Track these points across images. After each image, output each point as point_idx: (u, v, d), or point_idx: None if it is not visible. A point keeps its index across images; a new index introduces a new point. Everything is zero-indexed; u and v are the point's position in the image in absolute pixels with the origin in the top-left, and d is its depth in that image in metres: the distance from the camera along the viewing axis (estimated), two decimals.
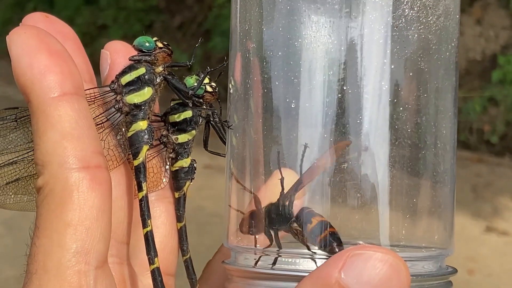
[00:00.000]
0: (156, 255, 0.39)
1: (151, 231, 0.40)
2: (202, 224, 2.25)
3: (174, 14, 4.42)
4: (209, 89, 0.43)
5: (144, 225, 0.40)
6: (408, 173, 0.37)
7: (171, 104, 0.43)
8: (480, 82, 3.37)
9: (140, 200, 0.40)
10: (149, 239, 0.39)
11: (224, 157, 0.42)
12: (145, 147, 0.40)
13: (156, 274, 0.39)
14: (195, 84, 0.42)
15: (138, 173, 0.40)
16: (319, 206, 0.37)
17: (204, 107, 0.43)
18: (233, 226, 0.40)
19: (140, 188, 0.40)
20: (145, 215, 0.40)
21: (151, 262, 0.39)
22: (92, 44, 4.22)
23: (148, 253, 0.39)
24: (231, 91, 0.41)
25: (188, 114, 0.43)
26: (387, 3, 0.36)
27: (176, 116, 0.43)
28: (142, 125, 0.41)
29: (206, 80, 0.43)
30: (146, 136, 0.41)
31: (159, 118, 0.43)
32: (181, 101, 0.43)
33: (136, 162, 0.40)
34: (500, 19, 3.47)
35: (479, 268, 2.39)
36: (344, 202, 0.37)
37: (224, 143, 0.42)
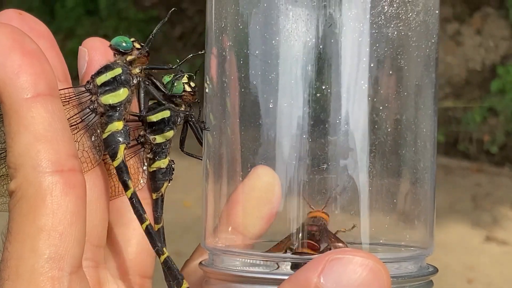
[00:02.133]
0: (164, 246, 0.39)
1: (150, 224, 0.39)
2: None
3: (174, 25, 4.42)
4: (187, 88, 0.42)
5: (142, 220, 0.39)
6: (388, 171, 0.37)
7: (149, 104, 0.43)
8: (479, 92, 3.37)
9: (130, 198, 0.39)
10: (150, 232, 0.39)
11: (200, 159, 0.42)
12: (122, 146, 0.40)
13: (169, 263, 0.38)
14: (175, 85, 0.41)
15: (121, 173, 0.39)
16: (297, 204, 0.36)
17: (183, 107, 0.42)
18: (210, 227, 0.39)
19: (126, 187, 0.39)
20: (140, 211, 0.39)
21: (160, 252, 0.38)
22: None
23: (154, 246, 0.39)
24: (207, 90, 0.40)
25: (166, 114, 0.42)
26: (366, 0, 0.36)
27: (154, 116, 0.42)
28: (117, 125, 0.40)
29: (185, 79, 0.42)
30: (122, 137, 0.40)
31: (136, 118, 0.43)
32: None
33: (116, 163, 0.39)
34: (500, 29, 3.47)
35: (478, 278, 2.38)
36: (324, 201, 0.36)
37: (201, 144, 0.42)
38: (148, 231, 0.39)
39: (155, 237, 0.39)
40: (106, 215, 0.40)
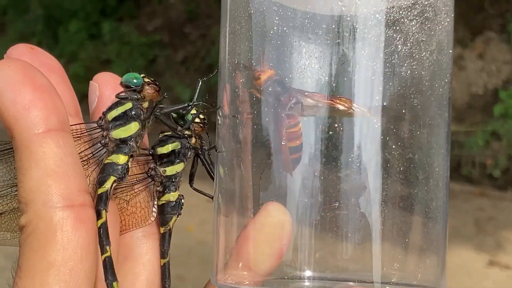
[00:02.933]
0: (114, 280, 0.38)
1: (109, 256, 0.38)
2: (205, 258, 2.24)
3: (177, 49, 4.44)
4: (196, 119, 0.42)
5: (103, 251, 0.38)
6: (400, 210, 0.37)
7: (160, 136, 0.43)
8: (482, 116, 3.37)
9: (99, 228, 0.38)
10: (107, 265, 0.38)
11: (210, 197, 0.42)
12: (112, 178, 0.39)
13: None
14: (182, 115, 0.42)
15: (99, 201, 0.39)
16: (310, 241, 0.36)
17: (194, 139, 0.42)
18: (221, 263, 0.39)
19: (99, 216, 0.38)
20: (103, 242, 0.38)
21: (109, 286, 0.38)
22: None
23: (106, 278, 0.38)
24: (220, 122, 0.40)
25: (176, 145, 0.42)
26: (380, 38, 0.36)
27: (164, 147, 0.42)
28: (121, 159, 0.40)
29: (194, 111, 0.42)
30: (118, 171, 0.40)
31: (147, 152, 0.43)
32: (170, 133, 0.42)
33: (100, 190, 0.39)
34: (502, 53, 3.48)
35: None
36: (336, 238, 0.36)
37: (213, 178, 0.42)
38: (105, 264, 0.38)
39: (110, 270, 0.38)
40: (116, 250, 0.40)
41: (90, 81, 0.42)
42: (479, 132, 3.25)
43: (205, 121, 0.43)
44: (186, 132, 0.42)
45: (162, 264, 0.42)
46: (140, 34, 4.59)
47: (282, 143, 0.37)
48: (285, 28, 0.37)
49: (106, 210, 0.38)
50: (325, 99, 0.36)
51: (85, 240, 0.34)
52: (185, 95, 3.90)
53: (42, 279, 0.33)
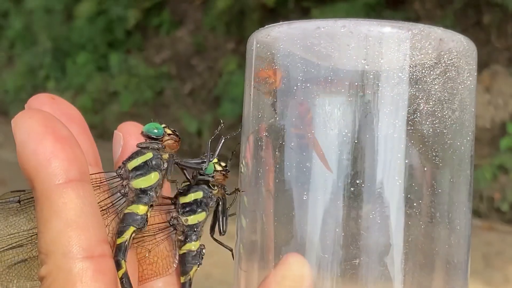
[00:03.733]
0: None
1: None
2: None
3: (184, 81, 4.45)
4: (218, 167, 0.43)
5: None
6: (422, 267, 0.37)
7: (182, 186, 0.43)
8: (489, 149, 3.36)
9: (121, 278, 0.38)
10: None
11: (229, 249, 0.42)
12: (132, 229, 0.40)
13: None
14: (211, 168, 0.42)
15: (118, 251, 0.39)
16: None
17: (216, 190, 0.43)
18: None
19: (118, 266, 0.38)
20: None
21: None
22: (103, 110, 4.25)
23: None
24: (242, 170, 0.41)
25: (198, 195, 0.42)
26: (402, 96, 0.36)
27: (186, 197, 0.42)
28: (141, 209, 0.40)
29: (215, 160, 0.43)
30: (138, 221, 0.40)
31: (169, 201, 0.43)
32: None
33: (119, 240, 0.39)
34: (509, 87, 3.48)
35: None
36: None
37: (220, 233, 0.42)
38: None
39: None
40: None
41: (115, 131, 0.42)
42: (486, 165, 3.24)
43: (227, 169, 0.43)
44: (210, 180, 0.42)
45: None
46: (148, 66, 4.61)
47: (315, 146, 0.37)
48: (308, 83, 0.37)
49: (125, 260, 0.39)
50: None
51: None
52: (192, 127, 3.90)
53: None
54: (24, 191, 0.41)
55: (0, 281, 0.42)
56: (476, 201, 3.20)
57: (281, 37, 0.38)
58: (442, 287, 0.38)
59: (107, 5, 4.87)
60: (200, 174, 0.42)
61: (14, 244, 0.41)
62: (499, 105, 3.45)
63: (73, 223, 0.34)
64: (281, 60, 0.38)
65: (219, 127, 0.45)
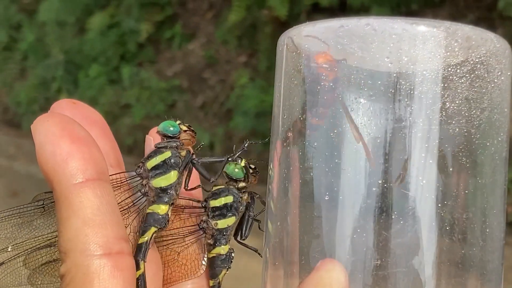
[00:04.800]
0: None
1: None
2: None
3: (196, 94, 4.46)
4: (249, 170, 0.43)
5: None
6: (455, 272, 0.36)
7: (213, 189, 0.43)
8: None
9: (137, 279, 0.39)
10: None
11: (254, 250, 0.42)
12: (153, 229, 0.40)
13: None
14: (236, 170, 0.42)
15: (138, 251, 0.39)
16: None
17: (246, 196, 0.43)
18: None
19: (137, 267, 0.39)
20: None
21: None
22: (115, 123, 4.26)
23: None
24: (270, 172, 0.40)
25: (229, 199, 0.42)
26: (427, 96, 0.36)
27: (217, 201, 0.42)
28: (162, 208, 0.40)
29: (244, 163, 0.43)
30: (160, 221, 0.40)
31: (200, 204, 0.43)
32: (222, 186, 0.42)
33: (140, 240, 0.40)
34: None
35: None
36: None
37: (242, 237, 0.43)
38: None
39: None
40: None
41: (146, 135, 0.43)
42: None
43: (257, 170, 0.43)
44: (241, 184, 0.43)
45: None
46: (160, 79, 4.62)
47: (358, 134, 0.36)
48: (337, 85, 0.37)
49: (144, 260, 0.39)
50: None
51: (123, 287, 0.34)
52: (204, 139, 3.92)
53: None
54: (50, 192, 0.41)
55: (29, 282, 0.42)
56: None
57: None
58: None
59: (119, 18, 4.90)
60: (231, 179, 0.42)
61: (47, 243, 0.42)
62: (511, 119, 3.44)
63: (90, 221, 0.34)
64: (310, 65, 0.38)
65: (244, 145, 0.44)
